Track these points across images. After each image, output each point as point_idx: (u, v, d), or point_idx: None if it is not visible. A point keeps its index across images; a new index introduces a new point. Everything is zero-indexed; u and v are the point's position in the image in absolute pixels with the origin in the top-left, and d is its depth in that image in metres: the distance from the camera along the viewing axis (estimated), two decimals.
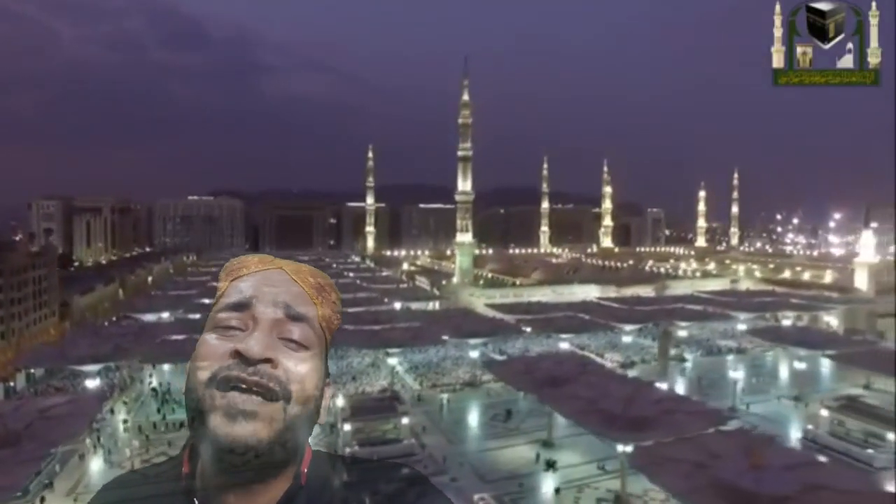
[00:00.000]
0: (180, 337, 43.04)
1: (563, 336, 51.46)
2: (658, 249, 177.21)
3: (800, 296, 71.38)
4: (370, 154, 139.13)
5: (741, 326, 62.37)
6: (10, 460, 20.87)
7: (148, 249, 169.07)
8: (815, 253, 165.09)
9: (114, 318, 57.09)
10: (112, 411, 40.28)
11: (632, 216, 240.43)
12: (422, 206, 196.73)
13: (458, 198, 71.40)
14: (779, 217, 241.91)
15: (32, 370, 44.21)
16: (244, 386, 1.24)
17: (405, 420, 35.63)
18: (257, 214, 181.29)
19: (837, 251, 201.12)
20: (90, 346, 38.14)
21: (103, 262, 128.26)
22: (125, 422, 39.19)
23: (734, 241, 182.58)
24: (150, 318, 54.64)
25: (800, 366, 47.68)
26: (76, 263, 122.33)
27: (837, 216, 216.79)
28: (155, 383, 45.58)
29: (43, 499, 27.04)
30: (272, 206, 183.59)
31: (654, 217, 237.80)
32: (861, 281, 70.34)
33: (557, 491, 28.66)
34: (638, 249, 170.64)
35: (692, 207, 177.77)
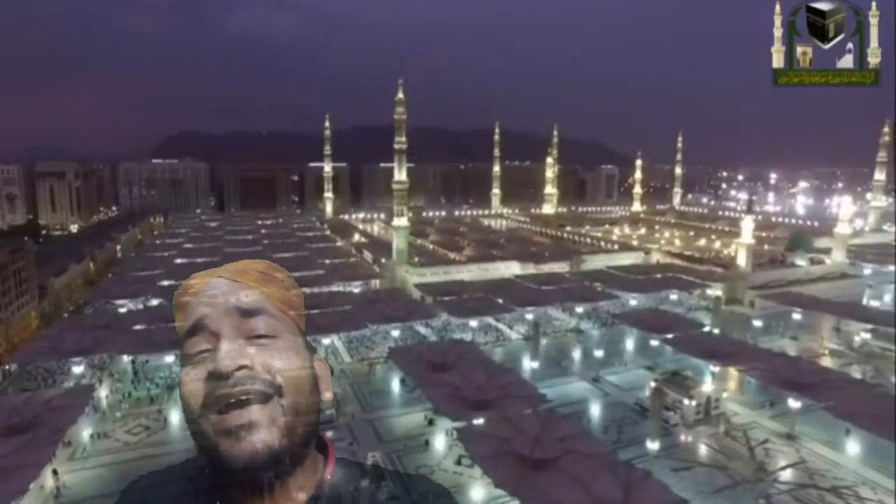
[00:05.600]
0: (151, 326, 52.22)
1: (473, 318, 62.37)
2: (602, 209, 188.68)
3: (693, 271, 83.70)
4: (327, 123, 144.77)
5: (633, 302, 74.19)
6: (31, 444, 30.43)
7: (114, 209, 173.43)
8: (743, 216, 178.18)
9: (90, 306, 65.30)
10: (100, 381, 49.62)
11: (588, 171, 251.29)
12: (382, 164, 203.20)
13: (394, 186, 79.94)
14: (724, 174, 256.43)
15: None
16: (233, 400, 1.29)
17: (328, 394, 45.84)
18: (221, 175, 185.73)
19: (773, 208, 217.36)
20: (74, 340, 47.20)
21: (73, 228, 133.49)
22: (116, 392, 48.14)
23: (676, 200, 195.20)
24: (122, 301, 63.53)
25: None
26: (44, 232, 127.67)
27: (774, 175, 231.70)
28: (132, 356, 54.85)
29: (54, 454, 36.32)
30: (236, 168, 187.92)
31: (608, 174, 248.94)
32: (741, 259, 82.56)
33: (427, 443, 39.66)
34: (583, 209, 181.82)
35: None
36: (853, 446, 39.17)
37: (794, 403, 41.28)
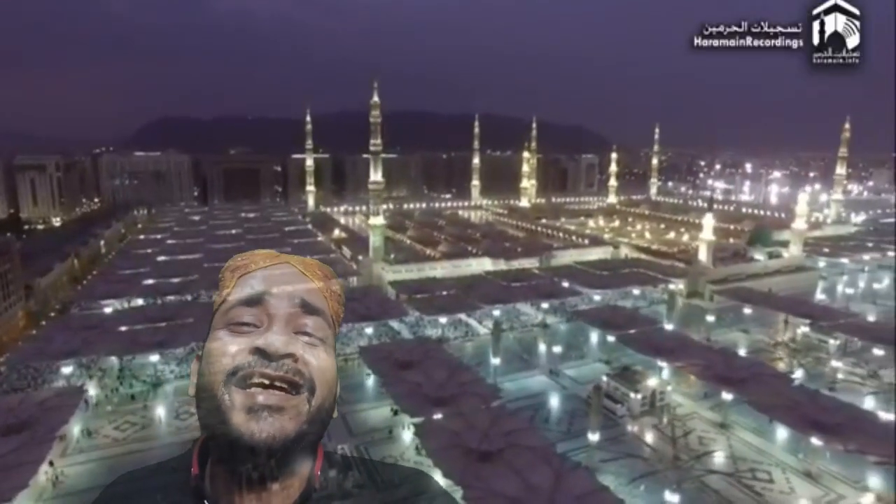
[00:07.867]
0: (136, 327, 55.27)
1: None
2: (581, 199, 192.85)
3: (657, 266, 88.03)
4: (308, 117, 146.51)
5: (596, 297, 78.28)
6: (29, 443, 33.61)
7: (97, 201, 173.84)
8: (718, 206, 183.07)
9: (76, 305, 67.75)
10: (90, 377, 52.53)
11: (570, 160, 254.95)
12: (365, 155, 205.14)
13: (370, 186, 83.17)
14: (702, 163, 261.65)
15: None
16: (267, 382, 1.27)
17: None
18: (205, 166, 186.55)
19: (747, 198, 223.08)
20: (63, 341, 50.15)
21: (55, 222, 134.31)
22: (104, 388, 51.10)
23: (653, 190, 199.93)
24: (107, 301, 66.21)
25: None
26: (26, 227, 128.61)
27: (749, 165, 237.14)
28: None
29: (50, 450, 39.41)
30: (219, 160, 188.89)
31: (589, 163, 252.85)
32: (702, 254, 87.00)
33: (390, 431, 43.42)
34: (561, 200, 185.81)
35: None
36: (781, 433, 43.66)
37: (727, 396, 45.60)
